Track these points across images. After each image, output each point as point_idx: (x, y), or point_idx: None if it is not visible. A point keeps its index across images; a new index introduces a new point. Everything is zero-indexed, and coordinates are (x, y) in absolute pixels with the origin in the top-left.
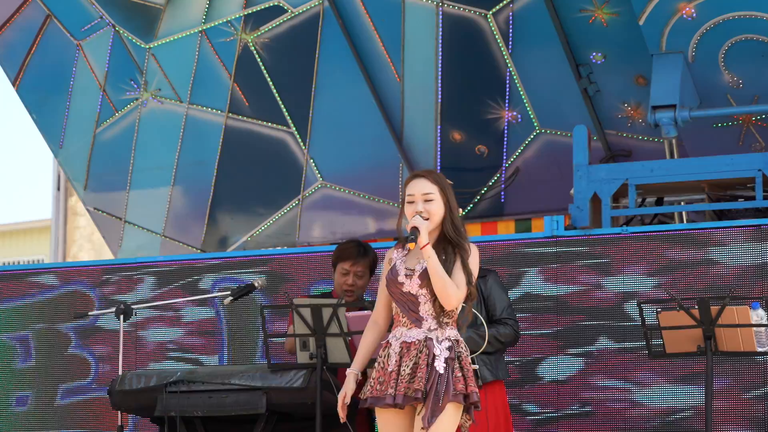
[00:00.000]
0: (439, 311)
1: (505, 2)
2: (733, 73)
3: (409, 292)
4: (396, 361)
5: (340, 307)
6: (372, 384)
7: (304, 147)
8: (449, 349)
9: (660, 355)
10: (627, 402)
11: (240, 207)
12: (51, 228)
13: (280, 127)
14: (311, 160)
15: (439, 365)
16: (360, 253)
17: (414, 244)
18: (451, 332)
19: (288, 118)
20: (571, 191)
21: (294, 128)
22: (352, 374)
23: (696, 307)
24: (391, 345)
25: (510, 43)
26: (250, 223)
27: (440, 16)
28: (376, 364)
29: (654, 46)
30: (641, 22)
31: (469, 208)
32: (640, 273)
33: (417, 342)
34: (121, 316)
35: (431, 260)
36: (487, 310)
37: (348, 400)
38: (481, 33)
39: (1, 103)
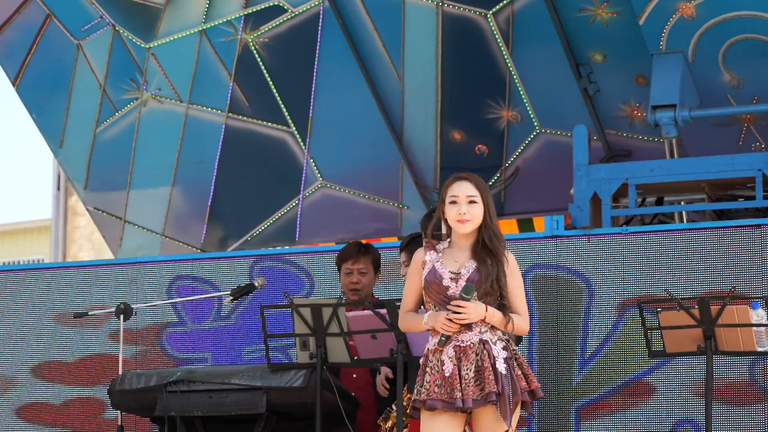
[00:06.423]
0: None
1: (505, 2)
2: (733, 72)
3: (456, 295)
4: (454, 364)
5: (340, 306)
6: (428, 387)
7: (304, 147)
8: (505, 348)
9: (660, 354)
10: (627, 402)
11: (240, 207)
12: (51, 228)
13: (280, 126)
14: (311, 160)
15: (501, 366)
16: (360, 251)
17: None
18: (499, 331)
19: (288, 118)
20: (571, 191)
21: (294, 128)
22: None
23: (696, 306)
24: (442, 350)
25: (510, 43)
26: (250, 223)
27: (440, 16)
28: (427, 369)
29: (654, 46)
30: (641, 22)
31: None
32: (640, 273)
33: (472, 345)
34: (121, 316)
35: (494, 320)
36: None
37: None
38: (481, 33)
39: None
